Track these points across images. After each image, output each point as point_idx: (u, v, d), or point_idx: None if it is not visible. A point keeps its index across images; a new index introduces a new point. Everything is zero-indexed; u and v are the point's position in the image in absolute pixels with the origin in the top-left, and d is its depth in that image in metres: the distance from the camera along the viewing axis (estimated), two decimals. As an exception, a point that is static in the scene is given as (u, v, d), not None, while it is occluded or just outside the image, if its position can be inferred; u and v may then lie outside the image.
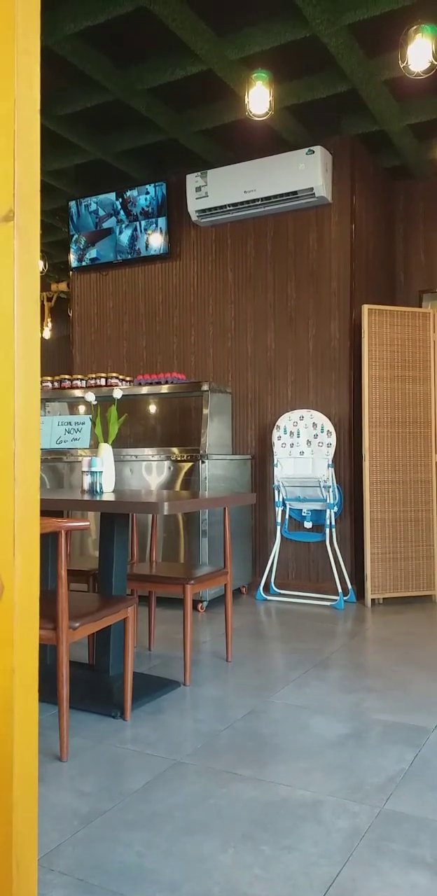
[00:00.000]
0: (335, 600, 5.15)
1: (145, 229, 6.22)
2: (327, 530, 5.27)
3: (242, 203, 5.57)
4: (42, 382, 5.90)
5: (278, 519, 5.41)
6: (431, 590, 5.30)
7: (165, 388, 5.54)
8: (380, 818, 2.11)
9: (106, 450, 3.70)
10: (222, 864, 1.88)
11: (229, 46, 4.22)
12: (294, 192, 5.35)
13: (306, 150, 5.28)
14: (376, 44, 4.30)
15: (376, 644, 4.18)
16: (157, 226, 6.17)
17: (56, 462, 5.64)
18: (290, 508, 5.47)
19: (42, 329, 9.43)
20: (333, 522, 5.27)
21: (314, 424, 5.33)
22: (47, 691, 2.75)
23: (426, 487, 5.31)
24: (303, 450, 5.32)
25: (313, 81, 4.66)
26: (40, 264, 1.18)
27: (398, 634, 4.33)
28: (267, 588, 5.51)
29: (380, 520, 5.22)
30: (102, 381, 5.78)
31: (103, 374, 5.84)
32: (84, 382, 5.88)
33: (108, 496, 3.30)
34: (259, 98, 4.50)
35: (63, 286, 9.18)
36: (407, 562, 5.26)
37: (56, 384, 5.99)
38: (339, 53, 4.21)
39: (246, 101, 4.54)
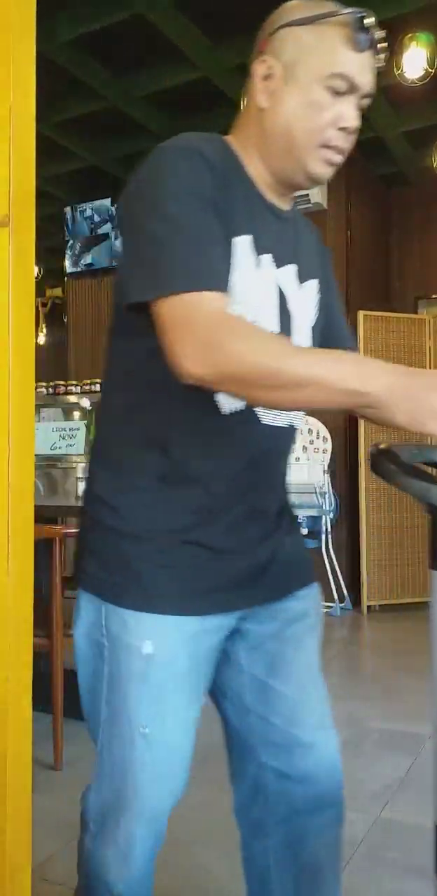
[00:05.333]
0: (331, 607, 5.14)
1: (141, 235, 6.22)
2: (323, 537, 5.26)
3: (237, 210, 5.58)
4: (36, 388, 5.89)
5: (274, 525, 5.39)
6: (427, 596, 5.29)
7: (160, 395, 5.53)
8: (376, 826, 2.10)
9: (101, 456, 3.69)
10: (218, 874, 1.87)
11: (225, 53, 4.23)
12: (290, 199, 5.37)
13: (301, 157, 5.29)
14: (371, 52, 4.32)
15: (372, 651, 4.17)
16: (152, 232, 6.17)
17: (51, 468, 5.62)
18: (285, 515, 5.45)
19: (37, 335, 9.42)
20: (329, 529, 5.26)
21: (310, 430, 5.33)
22: (42, 699, 2.74)
23: (422, 494, 5.31)
24: (298, 456, 5.32)
25: (309, 89, 4.68)
26: (35, 269, 1.17)
27: (395, 641, 4.33)
28: (263, 594, 5.49)
29: (376, 526, 5.22)
30: (97, 387, 5.77)
31: (98, 380, 5.83)
32: (79, 388, 5.87)
33: (103, 502, 3.29)
34: (255, 105, 4.51)
35: (58, 292, 9.17)
36: (403, 568, 5.26)
37: (51, 390, 5.98)
38: (334, 61, 4.22)
39: (242, 109, 4.55)
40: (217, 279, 0.96)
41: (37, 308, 9.28)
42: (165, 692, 1.05)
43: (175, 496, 1.05)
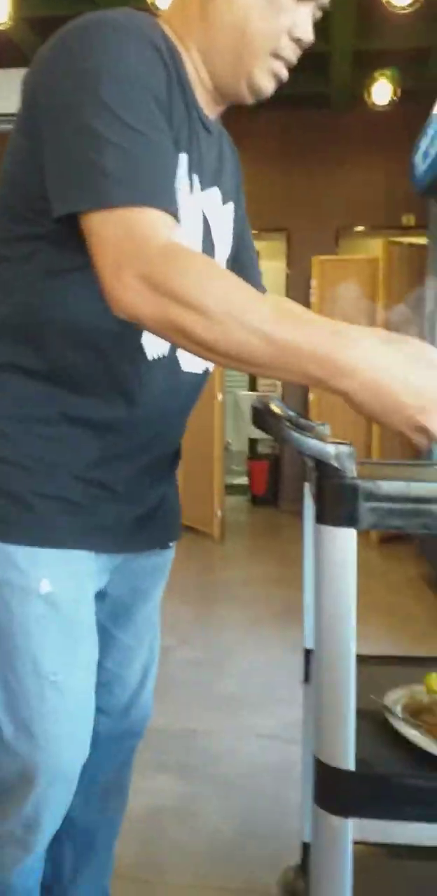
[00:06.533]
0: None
1: None
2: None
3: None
4: None
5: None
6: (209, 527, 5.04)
7: None
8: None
9: None
10: None
11: None
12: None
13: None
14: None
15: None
16: None
17: None
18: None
19: None
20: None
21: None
22: None
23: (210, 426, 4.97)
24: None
25: (57, -4, 4.43)
26: None
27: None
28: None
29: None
30: None
31: None
32: None
33: None
34: (-2, 3, 4.15)
35: None
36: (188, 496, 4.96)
37: None
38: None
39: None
40: (171, 199, 0.81)
41: None
42: (71, 633, 0.94)
43: (79, 436, 0.93)
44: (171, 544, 1.15)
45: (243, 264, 1.15)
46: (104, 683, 1.08)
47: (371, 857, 1.44)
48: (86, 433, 0.93)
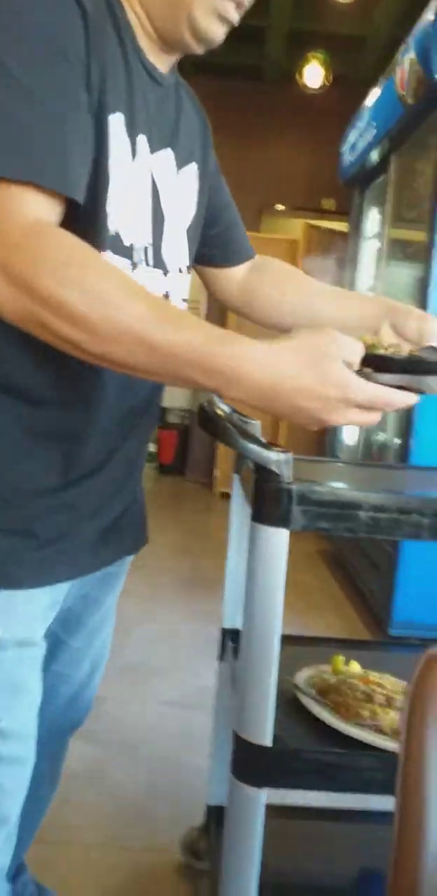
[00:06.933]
0: None
1: None
2: None
3: None
4: None
5: None
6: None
7: None
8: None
9: None
10: None
11: None
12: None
13: None
14: None
15: None
16: None
17: None
18: None
19: None
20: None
21: None
22: None
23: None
24: None
25: None
26: None
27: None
28: None
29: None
30: None
31: None
32: None
33: None
34: None
35: None
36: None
37: None
38: None
39: None
40: (62, 176, 0.71)
41: None
42: (19, 677, 0.87)
43: (42, 452, 0.84)
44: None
45: (226, 224, 1.10)
46: (49, 687, 1.00)
47: (269, 818, 1.56)
48: (47, 451, 0.85)
